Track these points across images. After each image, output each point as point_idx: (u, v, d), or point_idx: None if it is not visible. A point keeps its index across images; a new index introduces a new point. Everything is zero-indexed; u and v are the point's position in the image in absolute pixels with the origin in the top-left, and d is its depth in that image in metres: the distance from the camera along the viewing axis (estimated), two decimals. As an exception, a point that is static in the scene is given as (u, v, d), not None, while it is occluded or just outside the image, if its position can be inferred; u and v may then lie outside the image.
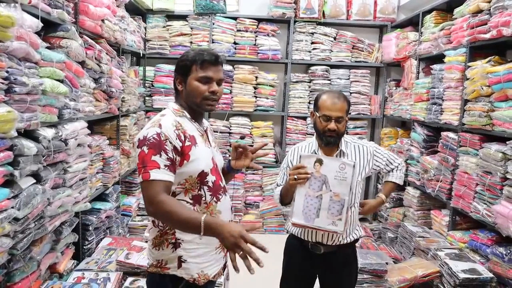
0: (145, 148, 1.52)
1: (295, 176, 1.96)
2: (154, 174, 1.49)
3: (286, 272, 2.32)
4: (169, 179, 1.51)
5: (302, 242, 2.19)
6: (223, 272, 1.85)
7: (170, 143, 1.54)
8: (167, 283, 1.66)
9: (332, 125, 2.07)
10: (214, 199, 1.68)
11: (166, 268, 1.66)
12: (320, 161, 1.99)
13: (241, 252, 1.32)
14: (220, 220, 1.48)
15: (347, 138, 2.23)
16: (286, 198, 2.12)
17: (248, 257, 1.31)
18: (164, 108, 1.76)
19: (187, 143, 1.59)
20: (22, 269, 2.35)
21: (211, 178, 1.67)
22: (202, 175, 1.63)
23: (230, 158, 1.89)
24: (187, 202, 1.64)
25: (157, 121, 1.60)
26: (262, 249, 1.32)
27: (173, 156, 1.54)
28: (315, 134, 2.22)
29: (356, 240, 2.25)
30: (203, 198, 1.66)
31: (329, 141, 2.10)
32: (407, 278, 2.96)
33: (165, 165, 1.51)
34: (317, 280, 2.31)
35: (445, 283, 2.92)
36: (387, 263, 3.08)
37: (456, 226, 3.49)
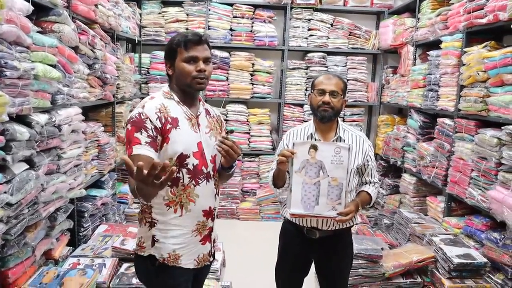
0: (129, 126, 1.61)
1: (279, 158, 1.95)
2: (136, 150, 1.55)
3: (281, 257, 2.32)
4: (149, 154, 1.55)
5: (297, 227, 2.18)
6: (209, 260, 1.83)
7: (150, 121, 1.59)
8: (146, 263, 1.72)
9: (326, 97, 2.05)
10: (193, 182, 1.69)
11: (143, 247, 1.72)
12: (314, 147, 1.97)
13: (151, 178, 1.26)
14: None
15: (345, 126, 2.20)
16: (278, 180, 2.11)
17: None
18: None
19: (168, 126, 1.63)
20: (16, 255, 2.35)
21: (192, 161, 1.68)
22: (181, 157, 1.65)
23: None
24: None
25: (143, 103, 1.67)
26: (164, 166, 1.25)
27: (153, 134, 1.59)
28: (311, 117, 2.20)
29: (352, 226, 2.25)
30: (181, 181, 1.67)
31: (324, 116, 2.07)
32: (402, 263, 2.97)
33: (146, 142, 1.57)
34: (313, 265, 2.31)
35: (439, 268, 2.94)
36: (382, 249, 3.09)
37: (452, 212, 3.50)
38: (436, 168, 3.61)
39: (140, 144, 1.56)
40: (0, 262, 2.26)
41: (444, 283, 2.81)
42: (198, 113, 1.76)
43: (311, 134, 2.16)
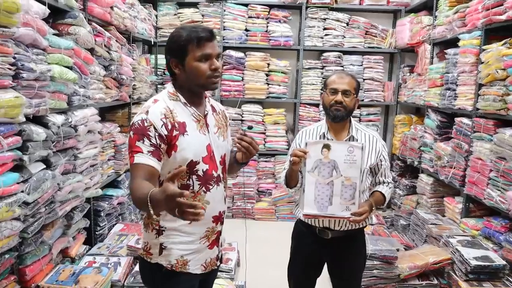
0: (131, 133, 1.51)
1: (292, 158, 1.93)
2: (138, 158, 1.47)
3: (293, 257, 2.30)
4: (151, 164, 1.47)
5: (309, 227, 2.17)
6: (217, 264, 1.79)
7: (155, 129, 1.50)
8: (152, 270, 1.65)
9: (338, 97, 2.03)
10: (203, 188, 1.62)
11: (150, 253, 1.64)
12: (327, 147, 1.96)
13: (180, 209, 1.18)
14: (158, 191, 1.29)
15: (358, 126, 2.18)
16: (291, 180, 2.10)
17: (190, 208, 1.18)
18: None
19: (175, 133, 1.54)
20: (33, 253, 2.41)
21: (202, 167, 1.60)
22: (191, 164, 1.57)
23: (235, 149, 1.77)
24: None
25: (146, 107, 1.56)
26: (191, 205, 1.18)
27: (156, 142, 1.49)
28: (325, 117, 2.19)
29: (365, 226, 2.22)
30: (191, 188, 1.59)
31: (336, 115, 2.05)
32: (417, 265, 2.92)
33: (148, 151, 1.48)
34: (326, 265, 2.30)
35: (456, 270, 2.88)
36: (397, 250, 3.04)
37: (470, 214, 3.42)
38: (454, 168, 3.54)
39: (142, 153, 1.47)
40: (18, 260, 2.31)
41: (461, 286, 2.75)
42: (206, 112, 1.67)
43: (324, 133, 2.14)
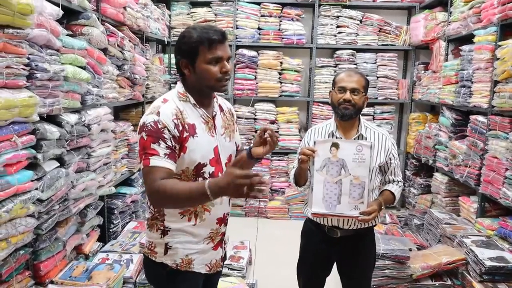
0: (144, 135, 1.48)
1: (301, 157, 1.94)
2: (154, 161, 1.45)
3: (302, 256, 2.30)
4: (169, 166, 1.47)
5: (318, 226, 2.17)
6: (221, 265, 1.80)
7: (169, 131, 1.48)
8: (157, 268, 1.66)
9: (347, 95, 2.02)
10: None
11: (155, 252, 1.65)
12: (336, 145, 1.95)
13: (247, 191, 1.27)
14: (217, 178, 1.40)
15: (367, 124, 2.17)
16: (300, 178, 2.10)
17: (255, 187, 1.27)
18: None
19: (185, 134, 1.53)
20: (48, 249, 2.46)
21: (208, 169, 1.60)
22: (198, 166, 1.57)
23: (251, 145, 1.78)
24: None
25: (156, 108, 1.53)
26: (257, 175, 1.27)
27: (172, 144, 1.49)
28: (333, 115, 2.18)
29: (374, 225, 2.21)
30: None
31: (344, 113, 2.04)
32: (430, 265, 2.89)
33: (165, 154, 1.47)
34: (335, 265, 2.29)
35: (470, 271, 2.83)
36: (410, 250, 3.01)
37: (485, 213, 3.36)
38: (469, 167, 3.48)
39: (159, 155, 1.45)
40: (32, 255, 2.37)
41: (475, 287, 2.71)
42: (214, 113, 1.67)
43: (332, 132, 2.13)
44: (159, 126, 1.48)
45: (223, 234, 1.76)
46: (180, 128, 1.52)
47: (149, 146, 1.46)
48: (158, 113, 1.51)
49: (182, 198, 1.41)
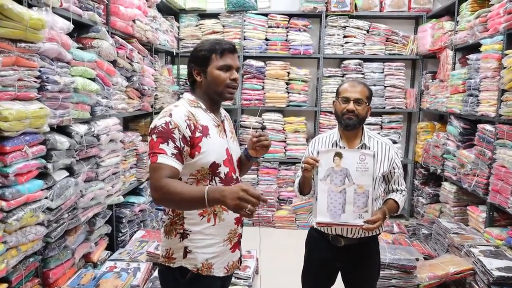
0: (154, 136, 1.54)
1: (304, 165, 1.96)
2: (162, 159, 1.50)
3: (307, 264, 2.31)
4: (175, 166, 1.51)
5: (322, 234, 2.18)
6: (239, 265, 1.85)
7: (179, 131, 1.54)
8: (175, 275, 1.68)
9: (350, 105, 2.04)
10: None
11: (173, 258, 1.67)
12: (339, 155, 1.97)
13: (248, 208, 1.32)
14: (222, 186, 1.48)
15: (370, 133, 2.18)
16: (304, 187, 2.13)
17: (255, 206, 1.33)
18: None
19: (198, 134, 1.59)
20: (57, 257, 2.51)
21: (223, 170, 1.66)
22: (214, 166, 1.63)
23: (246, 146, 1.86)
24: None
25: (168, 111, 1.60)
26: (264, 201, 1.36)
27: (180, 145, 1.54)
28: (337, 125, 2.20)
29: (378, 234, 2.21)
30: None
31: (348, 123, 2.06)
32: (437, 275, 2.87)
33: (172, 153, 1.52)
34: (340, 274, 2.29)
35: (478, 281, 2.81)
36: (417, 259, 3.00)
37: (494, 223, 3.34)
38: (477, 176, 3.46)
39: (166, 155, 1.51)
40: (42, 263, 2.41)
41: (483, 297, 2.69)
42: (222, 118, 1.77)
43: (336, 141, 2.15)
44: (170, 127, 1.55)
45: (240, 235, 1.81)
46: (193, 128, 1.59)
47: (157, 146, 1.53)
48: (170, 115, 1.58)
49: (183, 198, 1.46)
